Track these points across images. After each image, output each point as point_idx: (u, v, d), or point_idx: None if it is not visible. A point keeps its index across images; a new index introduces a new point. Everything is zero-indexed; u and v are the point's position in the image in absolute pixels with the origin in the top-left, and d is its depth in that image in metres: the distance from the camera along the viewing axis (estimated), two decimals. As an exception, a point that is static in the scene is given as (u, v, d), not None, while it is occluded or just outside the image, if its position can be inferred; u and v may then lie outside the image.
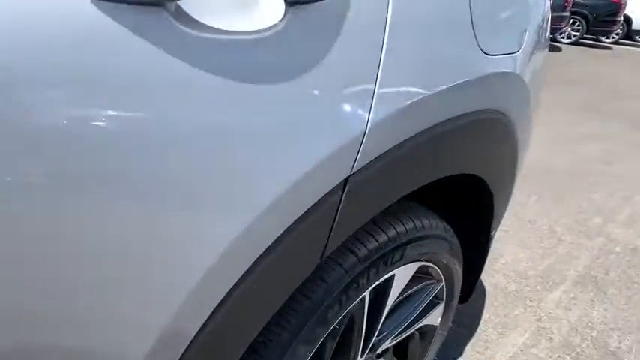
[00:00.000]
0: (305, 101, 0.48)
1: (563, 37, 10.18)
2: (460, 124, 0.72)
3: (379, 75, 0.55)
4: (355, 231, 0.71)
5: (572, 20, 9.84)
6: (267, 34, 0.44)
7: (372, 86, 0.54)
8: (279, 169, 0.49)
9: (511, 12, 0.80)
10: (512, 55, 0.81)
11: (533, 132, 1.22)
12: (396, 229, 0.78)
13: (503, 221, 2.20)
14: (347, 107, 0.52)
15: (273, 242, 0.52)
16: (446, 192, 0.99)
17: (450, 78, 0.65)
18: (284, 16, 0.45)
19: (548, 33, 1.12)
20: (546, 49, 1.13)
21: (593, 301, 1.86)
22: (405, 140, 0.61)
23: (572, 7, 9.13)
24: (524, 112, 0.94)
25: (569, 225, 2.45)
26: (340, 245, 0.70)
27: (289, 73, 0.46)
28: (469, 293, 1.23)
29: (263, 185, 0.48)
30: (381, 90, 0.55)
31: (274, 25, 0.44)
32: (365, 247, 0.73)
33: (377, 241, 0.75)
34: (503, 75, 0.80)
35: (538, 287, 1.91)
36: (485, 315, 1.72)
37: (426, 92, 0.61)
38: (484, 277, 1.94)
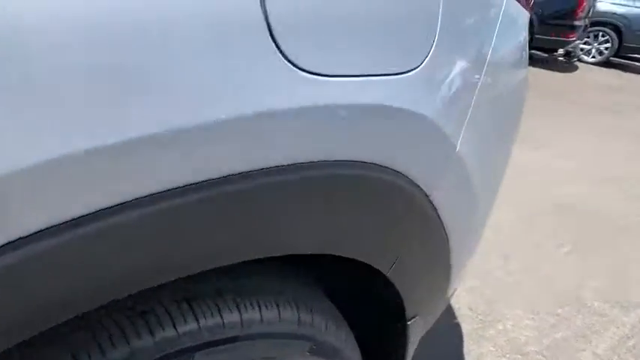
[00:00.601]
0: None
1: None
2: (263, 183, 0.44)
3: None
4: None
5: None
6: None
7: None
8: None
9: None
10: (396, 77, 0.51)
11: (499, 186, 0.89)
12: (175, 329, 0.51)
13: (513, 273, 1.81)
14: None
15: None
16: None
17: (208, 108, 0.38)
18: None
19: (522, 47, 0.79)
20: (519, 73, 0.80)
21: (605, 400, 1.44)
22: (95, 215, 0.35)
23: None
24: (443, 174, 0.63)
25: (603, 289, 1.99)
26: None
27: None
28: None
29: None
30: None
31: None
32: (102, 354, 0.47)
33: (128, 343, 0.49)
34: (376, 110, 0.50)
35: (535, 369, 1.52)
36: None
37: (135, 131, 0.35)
38: (468, 345, 1.58)
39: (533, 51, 7.69)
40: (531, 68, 6.97)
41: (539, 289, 1.92)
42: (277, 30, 0.40)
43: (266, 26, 0.40)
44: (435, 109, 0.56)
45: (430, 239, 0.68)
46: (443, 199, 0.66)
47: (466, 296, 1.77)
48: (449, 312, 1.66)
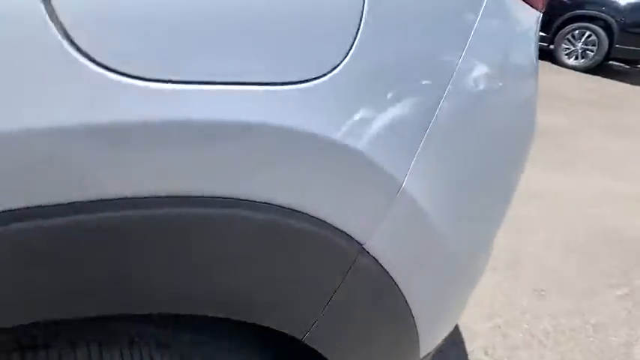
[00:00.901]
0: None
1: None
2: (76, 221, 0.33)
3: None
4: None
5: None
6: None
7: None
8: None
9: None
10: (288, 87, 0.37)
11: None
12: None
13: (548, 316, 1.56)
14: None
15: None
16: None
17: None
18: None
19: (528, 56, 0.61)
20: (522, 86, 0.62)
21: None
22: None
23: None
24: (382, 217, 0.48)
25: (660, 346, 1.68)
26: None
27: None
28: None
29: None
30: None
31: None
32: None
33: None
34: (251, 131, 0.37)
35: None
36: None
37: None
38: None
39: (612, 62, 7.00)
40: (609, 81, 6.34)
41: (577, 337, 1.65)
42: (67, 17, 0.28)
43: (47, 11, 0.28)
44: (355, 132, 0.41)
45: (369, 294, 0.53)
46: (386, 246, 0.51)
47: (484, 337, 1.56)
48: (459, 353, 1.46)
